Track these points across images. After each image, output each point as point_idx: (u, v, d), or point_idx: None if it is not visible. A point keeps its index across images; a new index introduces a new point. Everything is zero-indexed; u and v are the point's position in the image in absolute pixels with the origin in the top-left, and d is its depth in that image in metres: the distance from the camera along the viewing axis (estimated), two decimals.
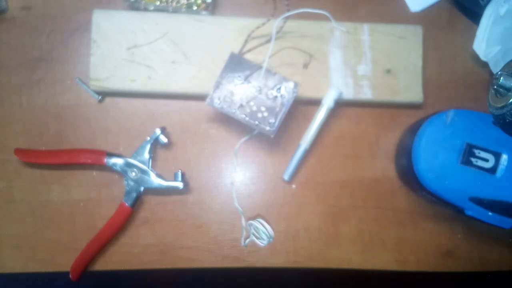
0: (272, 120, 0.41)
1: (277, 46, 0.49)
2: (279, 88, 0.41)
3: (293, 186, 0.51)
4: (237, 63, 0.42)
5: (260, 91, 0.41)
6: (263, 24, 0.48)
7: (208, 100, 0.41)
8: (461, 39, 0.53)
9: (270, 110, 0.41)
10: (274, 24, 0.43)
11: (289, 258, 0.51)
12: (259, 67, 0.42)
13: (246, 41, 0.47)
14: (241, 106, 0.41)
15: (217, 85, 0.41)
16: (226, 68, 0.42)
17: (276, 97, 0.41)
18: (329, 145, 0.52)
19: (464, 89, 0.53)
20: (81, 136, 0.51)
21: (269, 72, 0.42)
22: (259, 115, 0.41)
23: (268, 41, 0.48)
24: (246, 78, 0.42)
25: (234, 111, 0.41)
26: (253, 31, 0.48)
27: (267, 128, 0.41)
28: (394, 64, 0.51)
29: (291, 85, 0.41)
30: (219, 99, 0.41)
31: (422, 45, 0.51)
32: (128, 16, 0.49)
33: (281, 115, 0.41)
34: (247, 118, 0.41)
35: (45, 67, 0.51)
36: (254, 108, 0.41)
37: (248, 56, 0.46)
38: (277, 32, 0.48)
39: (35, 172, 0.50)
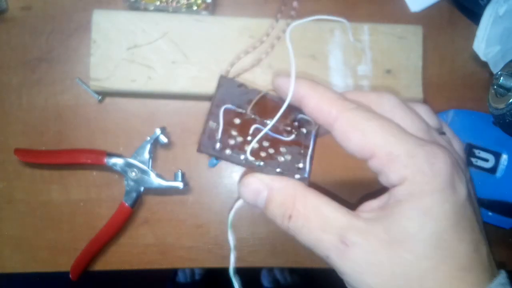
0: (300, 165, 0.31)
1: (277, 47, 0.49)
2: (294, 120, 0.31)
3: None
4: (229, 90, 0.28)
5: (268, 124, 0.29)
6: (261, 43, 0.48)
7: (200, 147, 0.27)
8: (461, 39, 0.53)
9: (290, 150, 0.30)
10: (279, 28, 0.43)
11: (289, 258, 0.51)
12: (258, 91, 0.29)
13: (232, 65, 0.44)
14: (252, 147, 0.29)
15: (208, 123, 0.27)
16: (217, 100, 0.28)
17: (292, 130, 0.31)
18: (329, 145, 0.52)
19: (464, 89, 0.53)
20: (81, 136, 0.51)
21: (273, 97, 0.29)
22: (281, 159, 0.30)
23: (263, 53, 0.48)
24: (248, 109, 0.29)
25: (243, 157, 0.30)
26: (248, 52, 0.48)
27: (297, 176, 0.30)
28: (394, 64, 0.50)
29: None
30: (215, 143, 0.28)
31: (422, 45, 0.51)
32: (128, 16, 0.49)
33: (308, 158, 0.31)
34: (262, 164, 0.29)
35: (45, 67, 0.51)
36: (271, 151, 0.29)
37: (243, 77, 0.43)
38: (278, 38, 0.48)
39: (35, 172, 0.50)
